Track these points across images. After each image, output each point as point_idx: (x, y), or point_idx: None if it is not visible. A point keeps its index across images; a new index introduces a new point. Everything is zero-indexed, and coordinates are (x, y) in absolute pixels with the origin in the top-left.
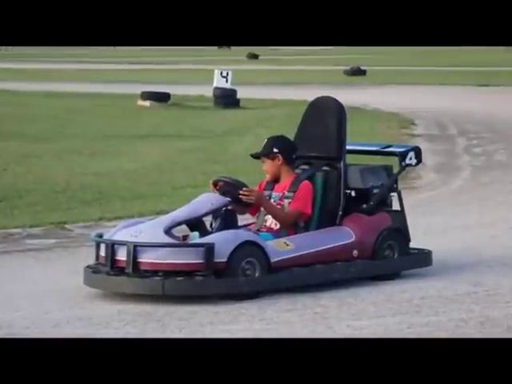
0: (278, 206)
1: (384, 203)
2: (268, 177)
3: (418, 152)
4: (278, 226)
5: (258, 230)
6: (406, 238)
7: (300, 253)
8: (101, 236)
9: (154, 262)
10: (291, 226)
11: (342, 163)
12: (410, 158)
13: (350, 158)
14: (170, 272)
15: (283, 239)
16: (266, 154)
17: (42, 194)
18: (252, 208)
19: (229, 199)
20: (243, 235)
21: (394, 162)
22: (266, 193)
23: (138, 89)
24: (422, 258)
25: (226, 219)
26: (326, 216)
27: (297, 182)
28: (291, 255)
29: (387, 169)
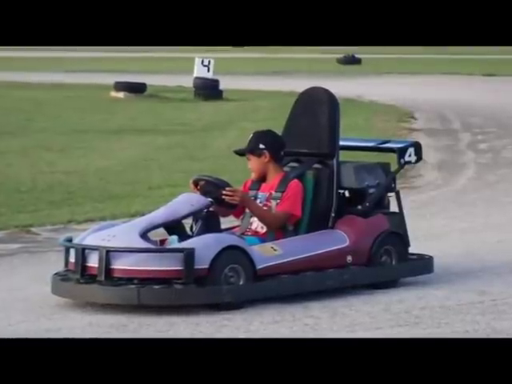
0: (265, 208)
1: (381, 204)
2: (253, 175)
3: (417, 148)
4: (265, 229)
5: (243, 234)
6: (405, 242)
7: (289, 259)
8: (70, 240)
9: (129, 268)
10: (279, 229)
11: (334, 160)
12: (410, 155)
13: (343, 155)
14: (146, 280)
15: (270, 244)
16: (251, 150)
17: (5, 194)
18: (236, 209)
19: (211, 200)
20: (226, 239)
21: (391, 159)
22: (252, 193)
23: (112, 79)
24: (423, 265)
25: (208, 222)
26: (317, 218)
27: (285, 181)
28: (279, 261)
29: (384, 166)
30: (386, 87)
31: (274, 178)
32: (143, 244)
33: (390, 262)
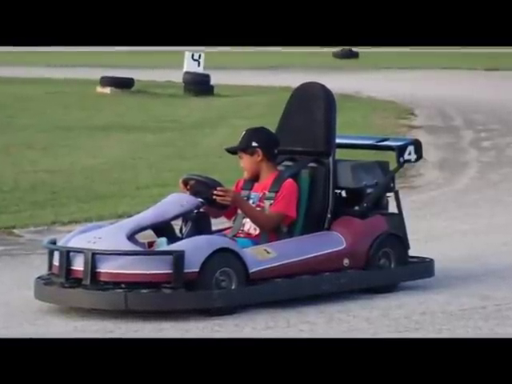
0: (258, 208)
1: (379, 205)
2: (246, 174)
3: (417, 146)
4: (258, 230)
5: (235, 236)
6: (405, 244)
7: (283, 262)
8: (54, 242)
9: (116, 272)
10: (273, 230)
11: (330, 159)
12: (409, 153)
13: (340, 154)
14: (133, 284)
15: (264, 246)
16: (243, 148)
17: None
18: (228, 210)
19: (201, 200)
20: (218, 242)
21: (390, 157)
22: (244, 193)
23: (97, 73)
24: (423, 268)
25: (198, 223)
26: (312, 219)
27: (279, 181)
28: (273, 264)
29: (383, 165)
30: (384, 82)
31: (267, 177)
32: (130, 246)
33: (389, 265)
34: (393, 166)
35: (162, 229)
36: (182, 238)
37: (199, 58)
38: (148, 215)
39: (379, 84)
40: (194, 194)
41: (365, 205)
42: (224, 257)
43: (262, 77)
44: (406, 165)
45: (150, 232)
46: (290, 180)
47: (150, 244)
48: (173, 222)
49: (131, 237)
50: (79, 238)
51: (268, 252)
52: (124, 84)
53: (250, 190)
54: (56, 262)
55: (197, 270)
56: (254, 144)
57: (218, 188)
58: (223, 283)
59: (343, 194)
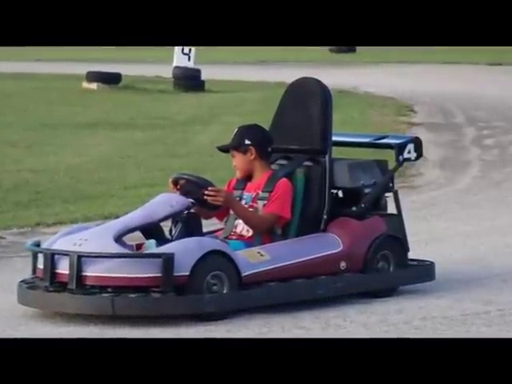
0: (251, 209)
1: (377, 205)
2: (238, 174)
3: (417, 144)
4: (251, 232)
5: (227, 238)
6: (404, 246)
7: (277, 265)
8: (38, 244)
9: (103, 275)
10: (266, 232)
11: (326, 157)
12: (409, 152)
13: (336, 152)
14: (121, 288)
15: (257, 249)
16: (235, 146)
17: None
18: (219, 211)
19: (192, 200)
20: (209, 244)
21: (389, 156)
22: (236, 193)
23: (83, 68)
24: (423, 272)
25: (189, 224)
26: (307, 221)
27: (273, 180)
28: (266, 267)
29: (381, 164)
30: (383, 78)
31: (260, 176)
32: (118, 249)
33: (388, 268)
34: (392, 164)
35: (151, 230)
36: (171, 240)
37: (189, 52)
38: (136, 216)
39: (377, 79)
40: (185, 193)
41: (362, 205)
42: (215, 260)
43: (255, 72)
44: (405, 164)
45: (138, 234)
46: (284, 179)
47: (139, 246)
48: (162, 224)
49: (119, 239)
50: (64, 240)
51: (261, 255)
52: (111, 79)
53: (243, 189)
54: (40, 265)
55: (187, 273)
56: (247, 142)
57: (210, 188)
58: (215, 287)
59: (340, 194)
